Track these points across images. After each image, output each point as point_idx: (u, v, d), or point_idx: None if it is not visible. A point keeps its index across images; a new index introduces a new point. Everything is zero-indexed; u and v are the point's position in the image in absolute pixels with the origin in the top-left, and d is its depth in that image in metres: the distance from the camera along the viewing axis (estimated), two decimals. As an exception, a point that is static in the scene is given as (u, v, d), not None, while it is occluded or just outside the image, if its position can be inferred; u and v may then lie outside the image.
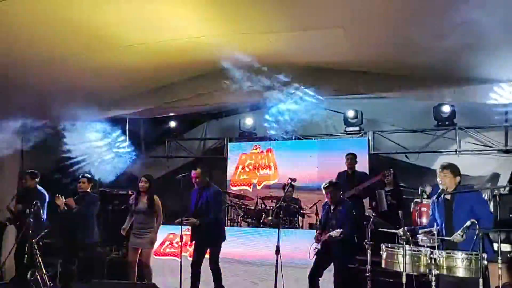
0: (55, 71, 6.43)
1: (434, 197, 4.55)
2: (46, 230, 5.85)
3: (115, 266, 7.20)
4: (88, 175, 6.71)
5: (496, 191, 4.47)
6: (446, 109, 8.07)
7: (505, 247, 5.24)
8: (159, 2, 4.84)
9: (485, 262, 3.86)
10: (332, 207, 5.74)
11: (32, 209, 6.02)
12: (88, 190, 6.54)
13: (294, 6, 4.85)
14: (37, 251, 5.74)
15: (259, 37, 5.73)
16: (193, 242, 5.99)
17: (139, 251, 6.21)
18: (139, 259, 6.22)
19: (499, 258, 3.99)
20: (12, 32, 5.24)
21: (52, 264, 6.60)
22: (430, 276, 4.00)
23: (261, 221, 7.85)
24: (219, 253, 5.86)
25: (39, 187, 6.89)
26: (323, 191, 5.75)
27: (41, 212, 6.29)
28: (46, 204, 6.68)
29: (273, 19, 5.25)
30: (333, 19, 5.09)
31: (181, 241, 5.68)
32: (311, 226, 7.85)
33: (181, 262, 5.54)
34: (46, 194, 6.78)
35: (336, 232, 5.36)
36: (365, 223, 4.94)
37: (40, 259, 5.74)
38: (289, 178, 5.61)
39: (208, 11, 5.05)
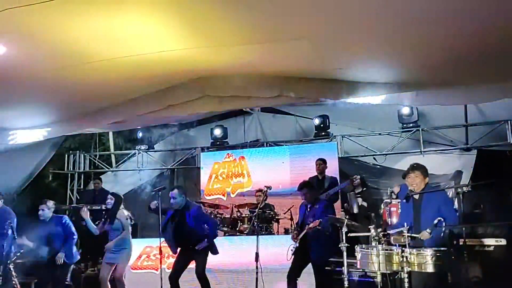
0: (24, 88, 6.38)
1: (402, 198, 4.77)
2: (22, 251, 5.76)
3: (91, 283, 7.12)
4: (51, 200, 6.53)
5: (459, 189, 4.72)
6: (409, 111, 8.38)
7: (472, 242, 5.52)
8: (129, 17, 4.88)
9: (452, 256, 4.12)
10: (309, 206, 5.83)
11: (4, 230, 5.91)
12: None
13: (262, 19, 5.00)
14: (13, 272, 5.65)
15: (227, 49, 5.85)
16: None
17: (114, 266, 6.21)
18: (112, 274, 6.21)
19: (465, 252, 4.26)
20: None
21: (27, 284, 6.48)
22: (402, 273, 4.22)
23: (237, 229, 7.94)
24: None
25: (5, 206, 6.66)
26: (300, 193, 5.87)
27: (14, 232, 6.17)
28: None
29: (241, 32, 5.38)
30: (299, 31, 5.27)
31: (160, 253, 5.71)
32: (286, 232, 8.00)
33: (161, 274, 5.57)
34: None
35: (314, 223, 5.39)
36: (338, 225, 5.12)
37: (16, 280, 5.65)
38: (265, 186, 5.72)
39: (177, 25, 5.12)
